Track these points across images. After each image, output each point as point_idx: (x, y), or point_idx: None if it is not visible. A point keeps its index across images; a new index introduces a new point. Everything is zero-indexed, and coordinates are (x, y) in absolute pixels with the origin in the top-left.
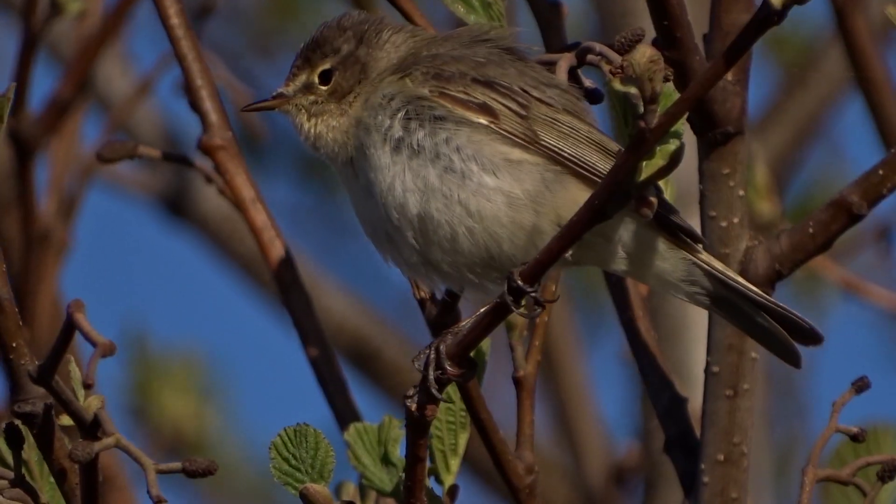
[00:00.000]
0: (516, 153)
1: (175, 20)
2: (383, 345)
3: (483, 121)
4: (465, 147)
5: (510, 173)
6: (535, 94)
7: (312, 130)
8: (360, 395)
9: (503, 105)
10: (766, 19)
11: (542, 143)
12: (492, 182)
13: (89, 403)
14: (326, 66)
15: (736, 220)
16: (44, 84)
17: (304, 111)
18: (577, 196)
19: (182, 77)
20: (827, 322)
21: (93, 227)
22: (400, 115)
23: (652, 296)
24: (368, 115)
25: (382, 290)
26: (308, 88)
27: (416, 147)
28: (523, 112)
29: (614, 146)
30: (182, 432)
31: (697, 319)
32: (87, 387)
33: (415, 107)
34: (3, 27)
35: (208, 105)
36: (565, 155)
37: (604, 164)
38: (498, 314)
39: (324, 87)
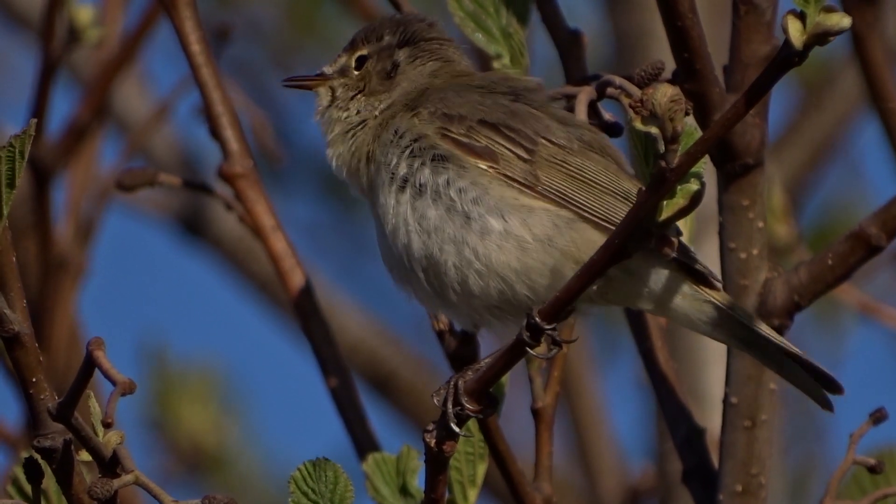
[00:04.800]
0: (524, 198)
1: (196, 47)
2: (399, 366)
3: (483, 165)
4: (469, 189)
5: (518, 216)
6: (546, 134)
7: (324, 116)
8: (375, 416)
9: (506, 148)
10: (787, 59)
11: (545, 186)
12: (498, 225)
13: (108, 440)
14: (364, 52)
15: (755, 252)
16: (61, 106)
17: (330, 93)
18: (592, 236)
19: (202, 104)
20: (844, 345)
21: (110, 248)
22: (406, 153)
23: (670, 322)
24: (380, 152)
25: (399, 311)
26: (344, 72)
27: (418, 187)
28: (527, 156)
29: (627, 185)
30: (200, 446)
31: (714, 342)
32: (107, 426)
33: (420, 145)
34: (23, 51)
35: (228, 133)
36: (569, 199)
37: (611, 209)
38: (516, 352)
39: (356, 73)
